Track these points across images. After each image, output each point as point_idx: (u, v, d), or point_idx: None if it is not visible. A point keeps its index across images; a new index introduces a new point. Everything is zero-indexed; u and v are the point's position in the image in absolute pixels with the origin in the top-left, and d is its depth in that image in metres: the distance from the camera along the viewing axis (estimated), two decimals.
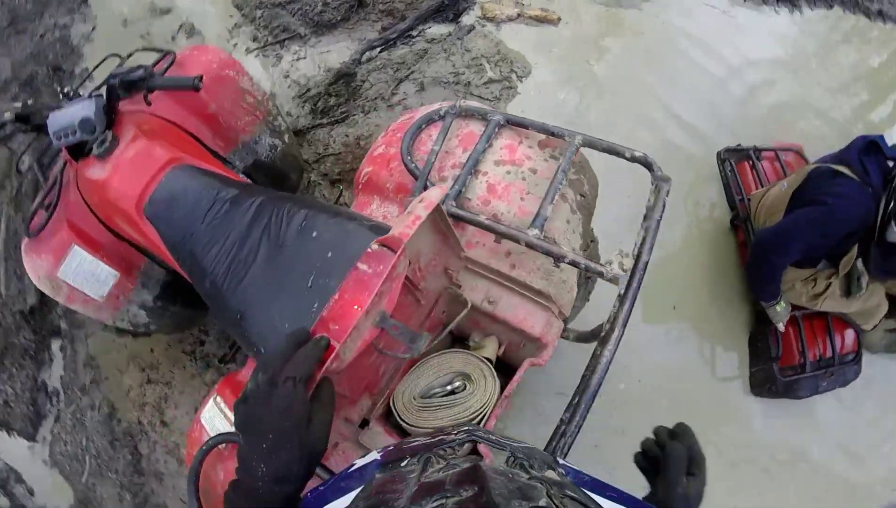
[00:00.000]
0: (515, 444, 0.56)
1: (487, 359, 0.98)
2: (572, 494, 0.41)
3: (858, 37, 2.70)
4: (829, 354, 1.98)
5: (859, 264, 1.84)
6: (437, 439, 0.57)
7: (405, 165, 1.07)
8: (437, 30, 2.33)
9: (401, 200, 1.11)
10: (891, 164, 1.67)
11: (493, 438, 0.56)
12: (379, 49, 2.39)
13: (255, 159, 1.69)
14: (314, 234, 0.97)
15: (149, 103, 1.25)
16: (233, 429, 0.98)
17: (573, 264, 0.94)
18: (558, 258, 0.94)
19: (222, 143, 1.59)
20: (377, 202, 1.15)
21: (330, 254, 0.94)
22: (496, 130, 1.10)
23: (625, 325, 0.84)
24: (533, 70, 2.18)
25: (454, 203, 1.01)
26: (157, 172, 1.18)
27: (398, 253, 0.68)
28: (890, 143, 1.71)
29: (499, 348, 1.03)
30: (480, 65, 2.13)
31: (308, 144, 2.16)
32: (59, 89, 1.35)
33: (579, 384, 0.82)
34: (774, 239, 1.77)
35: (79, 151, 1.33)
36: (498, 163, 1.08)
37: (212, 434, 1.00)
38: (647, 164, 1.04)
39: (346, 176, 2.10)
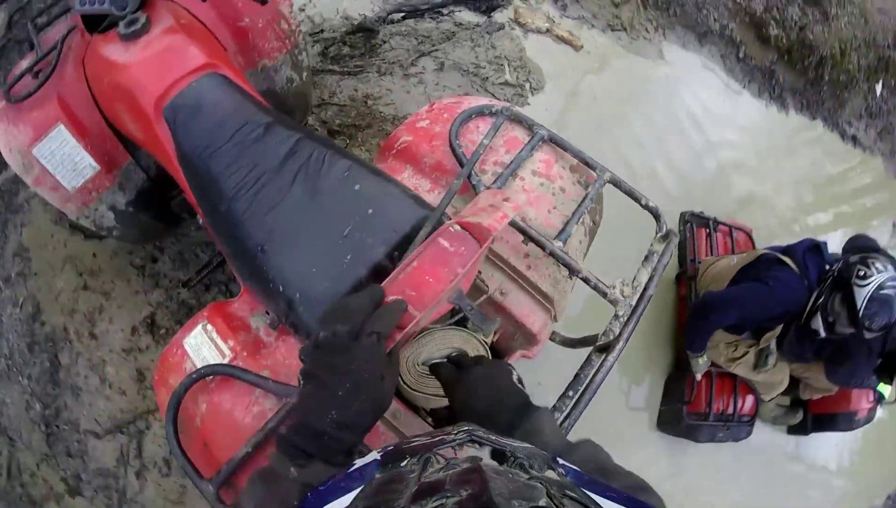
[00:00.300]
0: (515, 444, 0.57)
1: (484, 341, 1.06)
2: (572, 494, 0.42)
3: (822, 147, 3.10)
4: (730, 410, 2.30)
5: (772, 343, 2.15)
6: (437, 439, 0.57)
7: (452, 149, 1.10)
8: (466, 16, 2.35)
9: (435, 177, 1.15)
10: (827, 267, 1.96)
11: (494, 438, 0.57)
12: (404, 15, 2.37)
13: (268, 87, 1.62)
14: (357, 187, 0.98)
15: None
16: (221, 360, 0.97)
17: (584, 279, 1.04)
18: (573, 272, 1.04)
19: (242, 61, 1.51)
20: (409, 172, 1.17)
21: (371, 211, 0.96)
22: (539, 143, 1.18)
23: (627, 341, 0.96)
24: (546, 86, 2.28)
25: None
26: (188, 74, 1.10)
27: (485, 244, 0.72)
28: (830, 250, 2.02)
29: (495, 336, 1.11)
30: (501, 65, 2.19)
31: (314, 88, 2.09)
32: None
33: (573, 382, 0.93)
34: (719, 302, 2.01)
35: (95, 24, 1.21)
36: (535, 173, 1.15)
37: (197, 362, 0.98)
38: (656, 215, 1.18)
39: (345, 130, 2.06)
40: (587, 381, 0.91)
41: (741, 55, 2.96)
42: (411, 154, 1.18)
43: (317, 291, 0.90)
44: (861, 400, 2.58)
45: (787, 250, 2.04)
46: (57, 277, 1.92)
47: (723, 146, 2.80)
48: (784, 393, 2.50)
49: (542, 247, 1.02)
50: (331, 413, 0.57)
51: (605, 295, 1.04)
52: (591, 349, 1.02)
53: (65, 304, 1.90)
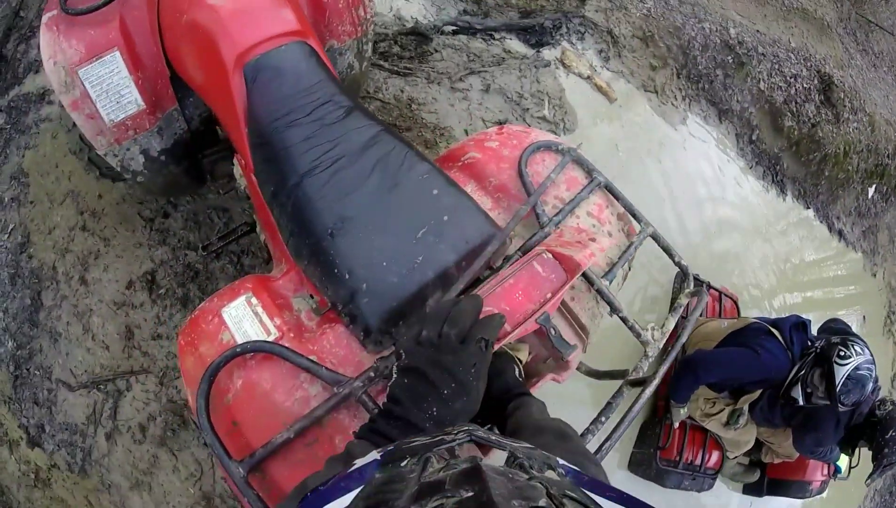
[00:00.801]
0: (515, 444, 0.58)
1: (520, 360, 1.10)
2: (572, 494, 0.42)
3: (808, 232, 3.32)
4: (697, 462, 2.44)
5: (745, 406, 2.29)
6: (437, 439, 0.58)
7: (521, 175, 1.13)
8: (516, 46, 2.42)
9: (497, 198, 1.17)
10: (810, 343, 2.13)
11: (494, 438, 0.59)
12: (455, 29, 2.42)
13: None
14: (435, 192, 1.00)
15: None
16: (266, 338, 0.95)
17: (623, 319, 1.09)
18: (615, 310, 1.09)
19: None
20: (473, 187, 1.19)
21: (446, 218, 0.98)
22: (596, 187, 1.23)
23: (661, 379, 1.03)
24: (577, 130, 2.37)
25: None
26: (278, 35, 1.09)
27: (573, 276, 0.76)
28: (814, 329, 2.21)
29: (529, 356, 1.14)
30: (542, 100, 2.26)
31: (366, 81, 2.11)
32: None
33: (604, 409, 0.98)
34: (708, 361, 2.14)
35: None
36: (589, 214, 1.20)
37: (237, 335, 0.95)
38: (686, 273, 1.26)
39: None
40: (625, 412, 0.96)
41: (754, 138, 3.15)
42: (477, 171, 1.20)
43: (385, 285, 0.90)
44: (816, 472, 2.77)
45: (775, 323, 2.18)
46: (54, 210, 1.83)
47: (721, 215, 2.97)
48: (746, 453, 2.64)
49: (591, 283, 1.06)
50: (432, 409, 0.58)
51: (638, 336, 1.10)
52: (620, 381, 1.08)
53: (58, 241, 1.81)
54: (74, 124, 1.38)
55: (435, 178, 1.01)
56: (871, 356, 2.03)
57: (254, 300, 0.99)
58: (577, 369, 1.30)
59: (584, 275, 1.07)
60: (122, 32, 1.26)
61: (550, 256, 0.78)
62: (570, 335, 1.12)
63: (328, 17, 1.48)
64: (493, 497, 0.35)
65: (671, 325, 1.18)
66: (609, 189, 1.24)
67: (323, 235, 0.95)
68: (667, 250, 1.27)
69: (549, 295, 0.73)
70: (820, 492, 2.84)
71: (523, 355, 1.11)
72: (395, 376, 0.62)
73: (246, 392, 0.88)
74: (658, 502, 2.59)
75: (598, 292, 1.08)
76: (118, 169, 1.45)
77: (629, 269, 1.35)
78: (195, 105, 1.46)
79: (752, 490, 2.95)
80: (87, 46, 1.24)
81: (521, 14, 2.60)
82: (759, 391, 2.21)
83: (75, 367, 1.68)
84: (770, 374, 2.10)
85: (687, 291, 1.28)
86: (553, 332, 0.79)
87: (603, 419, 0.98)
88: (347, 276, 0.91)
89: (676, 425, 2.32)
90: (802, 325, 2.17)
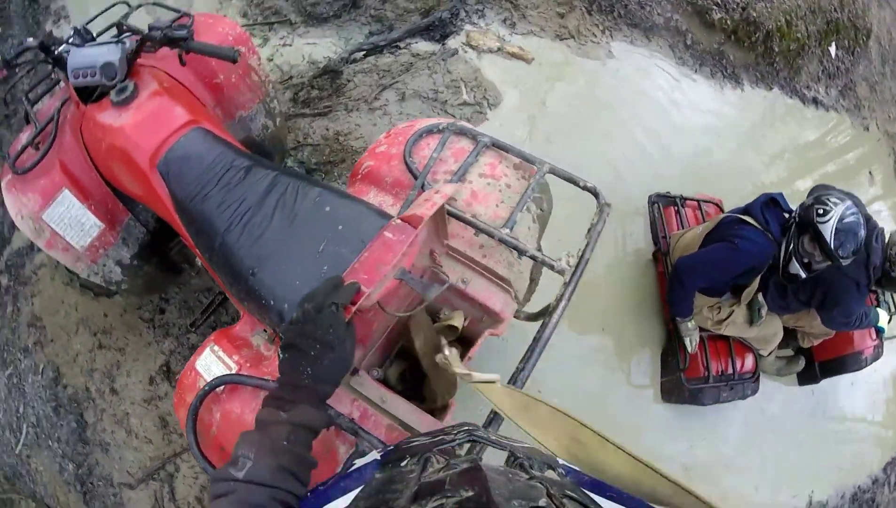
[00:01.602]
0: (516, 444, 0.61)
1: (454, 326, 1.26)
2: (572, 494, 0.43)
3: (783, 111, 3.33)
4: (729, 370, 2.47)
5: (760, 297, 2.33)
6: (437, 439, 0.62)
7: (406, 165, 1.33)
8: (423, 46, 2.62)
9: (396, 193, 1.37)
10: (787, 216, 2.16)
11: (494, 438, 0.62)
12: (365, 53, 2.64)
13: (246, 136, 1.86)
14: (327, 208, 1.20)
15: (183, 63, 1.39)
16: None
17: (532, 257, 1.24)
18: (521, 252, 1.24)
19: (221, 113, 1.74)
20: (374, 192, 1.39)
21: (341, 227, 1.17)
22: (483, 149, 1.40)
23: (568, 300, 1.15)
24: (503, 101, 2.53)
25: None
26: (176, 130, 1.32)
27: (419, 227, 0.94)
28: (788, 200, 2.23)
29: (464, 320, 1.31)
30: (458, 87, 2.44)
31: (288, 131, 2.35)
32: (74, 29, 1.39)
33: (532, 344, 1.12)
34: (689, 266, 2.21)
35: (88, 95, 1.39)
36: (481, 175, 1.37)
37: (208, 379, 1.18)
38: (595, 193, 1.38)
39: (322, 167, 2.30)
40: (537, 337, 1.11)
41: (689, 42, 3.23)
42: (374, 176, 1.40)
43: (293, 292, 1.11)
44: (865, 339, 2.77)
45: (746, 210, 2.23)
46: (72, 340, 2.14)
47: (687, 126, 3.04)
48: (784, 346, 2.68)
49: (491, 235, 1.23)
50: (307, 370, 0.77)
51: (552, 267, 1.24)
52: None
53: (83, 365, 2.11)
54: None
55: (326, 198, 1.21)
56: (853, 200, 2.04)
57: (216, 348, 1.21)
58: (517, 317, 1.44)
59: (482, 230, 1.24)
60: (64, 173, 1.52)
61: (399, 221, 0.95)
62: (492, 291, 1.29)
63: (228, 94, 1.71)
64: (493, 497, 0.37)
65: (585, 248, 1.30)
66: (497, 145, 1.40)
67: (247, 276, 1.16)
68: (570, 179, 1.40)
69: (399, 252, 0.91)
70: (876, 358, 2.83)
71: (458, 321, 1.29)
72: (279, 356, 0.81)
73: (224, 421, 1.10)
74: (720, 422, 2.65)
75: (501, 240, 1.24)
76: (104, 285, 1.72)
77: (544, 210, 1.50)
78: (145, 209, 1.72)
79: (806, 379, 2.96)
80: (41, 194, 1.51)
81: (422, 15, 2.80)
82: (756, 281, 2.25)
83: (129, 467, 1.96)
84: (756, 260, 2.15)
85: (596, 210, 1.41)
86: (412, 280, 0.96)
87: (533, 357, 1.11)
88: (273, 302, 1.12)
89: (689, 342, 2.37)
90: (773, 201, 2.20)
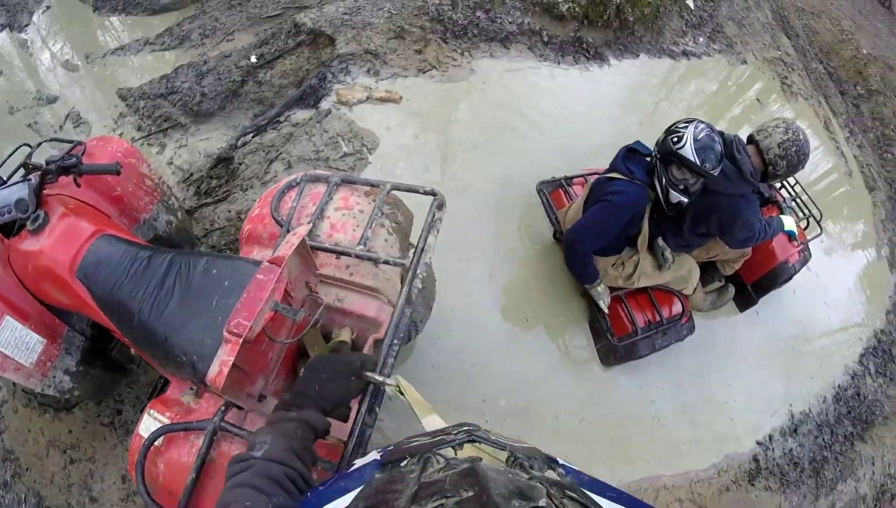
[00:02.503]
0: (515, 444, 0.65)
1: (344, 341, 1.71)
2: (572, 494, 0.46)
3: (655, 74, 3.92)
4: (657, 319, 2.88)
5: (660, 242, 2.76)
6: (437, 439, 0.65)
7: (274, 219, 1.82)
8: (300, 115, 3.18)
9: (272, 244, 1.85)
10: (649, 159, 2.61)
11: (494, 438, 0.65)
12: (252, 134, 3.19)
13: (154, 234, 2.34)
14: (214, 271, 1.66)
15: (78, 185, 1.86)
16: None
17: (385, 262, 1.70)
18: (376, 261, 1.72)
19: (127, 221, 2.22)
20: (257, 249, 1.87)
21: (227, 282, 1.63)
22: (335, 187, 1.90)
23: (411, 283, 1.61)
24: (381, 142, 3.07)
25: (309, 239, 1.77)
26: (85, 241, 1.77)
27: (283, 264, 1.41)
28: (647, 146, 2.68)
29: (352, 334, 1.76)
30: (337, 142, 2.99)
31: (196, 222, 2.84)
32: None
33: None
34: (574, 234, 2.66)
35: (8, 230, 1.83)
36: (337, 209, 1.86)
37: None
38: (433, 193, 1.87)
39: (231, 246, 2.79)
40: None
41: (546, 39, 3.86)
42: (253, 236, 1.88)
43: (206, 348, 1.51)
44: (786, 249, 3.19)
45: (609, 168, 2.70)
46: (45, 463, 2.52)
47: (565, 113, 3.63)
48: (710, 280, 3.15)
49: (349, 254, 1.71)
50: (315, 386, 1.16)
51: (387, 261, 1.70)
52: None
53: (60, 483, 2.49)
54: (14, 384, 2.07)
55: (211, 263, 1.68)
56: (699, 120, 2.44)
57: (153, 412, 1.65)
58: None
59: (338, 252, 1.72)
60: (3, 303, 1.95)
61: (268, 263, 1.43)
62: (364, 301, 1.75)
63: (128, 202, 2.19)
64: (493, 497, 0.40)
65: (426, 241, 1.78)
66: (346, 180, 1.90)
67: (162, 343, 1.60)
68: (411, 189, 1.88)
69: (271, 289, 1.38)
70: (804, 262, 3.27)
71: (346, 336, 1.74)
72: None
73: (167, 469, 1.52)
74: (674, 371, 3.09)
75: (357, 256, 1.72)
76: (59, 395, 2.14)
77: (400, 222, 1.99)
78: (79, 317, 2.16)
79: (744, 303, 3.40)
80: None
81: (296, 87, 3.38)
82: (645, 227, 2.67)
83: None
84: (633, 208, 2.58)
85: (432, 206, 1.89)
86: (283, 308, 1.42)
87: (394, 343, 1.56)
88: (185, 358, 1.55)
89: (602, 304, 2.82)
90: (631, 151, 2.66)
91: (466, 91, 3.47)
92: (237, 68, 3.47)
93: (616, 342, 2.85)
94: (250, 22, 3.81)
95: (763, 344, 3.44)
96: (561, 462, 0.66)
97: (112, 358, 2.30)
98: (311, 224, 1.77)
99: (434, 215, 1.78)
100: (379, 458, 0.66)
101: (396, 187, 1.87)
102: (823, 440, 3.22)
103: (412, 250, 1.75)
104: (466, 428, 0.70)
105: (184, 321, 1.58)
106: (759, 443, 3.08)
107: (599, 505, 0.49)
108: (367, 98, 3.21)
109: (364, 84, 3.31)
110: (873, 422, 3.41)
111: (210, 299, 1.59)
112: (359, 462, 0.73)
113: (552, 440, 2.71)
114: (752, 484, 2.91)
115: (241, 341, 1.31)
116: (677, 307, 2.97)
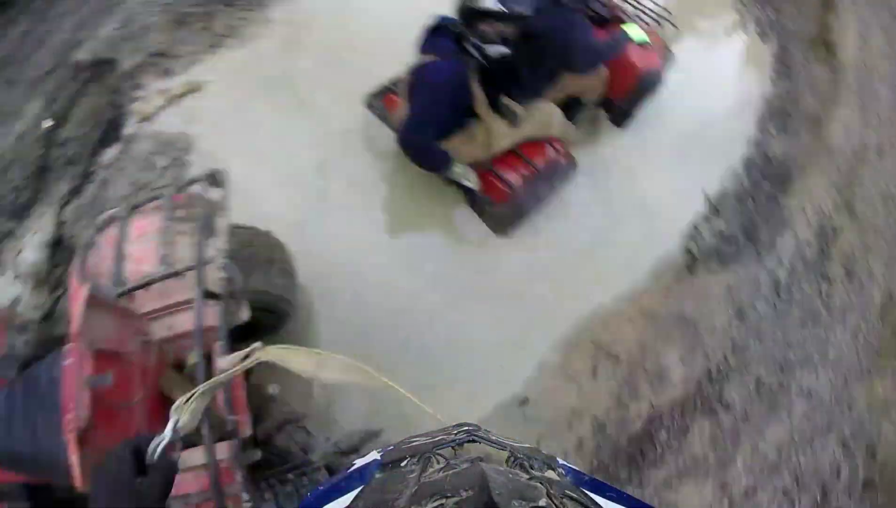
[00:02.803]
0: (516, 444, 0.66)
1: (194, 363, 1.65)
2: (572, 494, 0.47)
3: None
4: (533, 171, 2.79)
5: (504, 99, 2.65)
6: (437, 439, 0.66)
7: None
8: (109, 154, 2.97)
9: None
10: (453, 27, 2.49)
11: (494, 438, 0.66)
12: (67, 203, 2.96)
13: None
14: (45, 374, 1.58)
15: None
16: None
17: (186, 269, 1.61)
18: (178, 274, 1.60)
19: None
20: None
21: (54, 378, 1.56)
22: (127, 221, 1.78)
23: (200, 280, 1.55)
24: (194, 141, 2.90)
25: (115, 288, 1.67)
26: None
27: (75, 340, 1.33)
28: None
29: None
30: (151, 162, 2.82)
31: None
32: None
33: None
34: (406, 129, 2.58)
35: None
36: (135, 240, 1.73)
37: None
38: (212, 176, 1.78)
39: None
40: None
41: None
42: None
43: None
44: (645, 58, 3.11)
45: (418, 53, 2.58)
46: None
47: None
48: (567, 115, 3.00)
49: (149, 282, 1.62)
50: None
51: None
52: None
53: None
54: None
55: (46, 366, 1.57)
56: None
57: None
58: None
59: (138, 286, 1.62)
60: None
61: (67, 345, 1.36)
62: (189, 316, 1.65)
63: None
64: (493, 497, 0.40)
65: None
66: (135, 207, 1.79)
67: (18, 451, 1.55)
68: (192, 182, 1.82)
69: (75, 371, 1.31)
70: (669, 64, 3.24)
71: (193, 359, 1.68)
72: None
73: None
74: (584, 208, 3.05)
75: (163, 277, 1.62)
76: None
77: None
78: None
79: (620, 119, 3.36)
80: None
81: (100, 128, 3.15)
82: (478, 93, 2.56)
83: None
84: (453, 81, 2.49)
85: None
86: (99, 380, 1.35)
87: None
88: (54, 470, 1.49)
89: (469, 182, 2.74)
90: (435, 27, 2.55)
91: (270, 51, 3.27)
92: (36, 142, 3.22)
93: (499, 208, 2.79)
94: (33, 86, 3.51)
95: (653, 149, 3.40)
96: (561, 461, 0.66)
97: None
98: (113, 273, 1.68)
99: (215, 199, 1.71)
100: (379, 458, 0.66)
101: (177, 187, 1.81)
102: (748, 208, 3.25)
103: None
104: (466, 428, 0.70)
105: (34, 423, 1.54)
106: (686, 236, 3.11)
107: (599, 505, 0.49)
108: (169, 102, 3.01)
109: (158, 89, 3.09)
110: (790, 176, 3.43)
111: (48, 411, 1.52)
112: (359, 463, 0.73)
113: (496, 322, 2.70)
114: (693, 274, 2.96)
115: (74, 437, 1.26)
116: (551, 152, 2.88)
